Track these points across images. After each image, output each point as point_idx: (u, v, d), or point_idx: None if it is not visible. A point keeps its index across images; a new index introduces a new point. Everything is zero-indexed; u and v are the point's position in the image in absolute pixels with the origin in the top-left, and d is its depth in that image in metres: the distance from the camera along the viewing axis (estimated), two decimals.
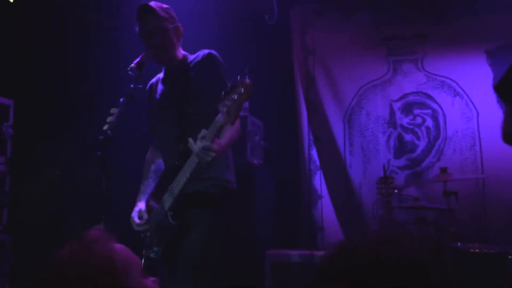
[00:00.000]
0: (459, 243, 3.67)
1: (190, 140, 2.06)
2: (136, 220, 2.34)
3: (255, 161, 4.04)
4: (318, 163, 4.71)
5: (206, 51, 2.48)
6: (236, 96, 1.89)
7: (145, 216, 2.33)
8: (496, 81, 4.48)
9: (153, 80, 2.64)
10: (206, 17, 4.14)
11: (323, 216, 4.65)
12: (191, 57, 2.52)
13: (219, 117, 1.99)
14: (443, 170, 3.72)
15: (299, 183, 4.64)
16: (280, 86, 4.77)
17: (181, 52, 2.53)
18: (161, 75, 2.61)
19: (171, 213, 2.24)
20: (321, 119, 4.76)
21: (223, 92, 1.99)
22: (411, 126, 4.57)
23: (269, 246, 4.12)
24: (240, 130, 2.37)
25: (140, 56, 2.37)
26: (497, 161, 4.20)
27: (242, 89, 1.88)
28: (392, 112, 4.62)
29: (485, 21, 4.37)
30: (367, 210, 4.51)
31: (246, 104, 3.96)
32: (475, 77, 4.42)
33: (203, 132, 2.05)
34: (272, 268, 3.86)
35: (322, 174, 4.67)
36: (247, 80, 1.89)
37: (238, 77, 1.92)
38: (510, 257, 3.40)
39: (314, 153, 4.73)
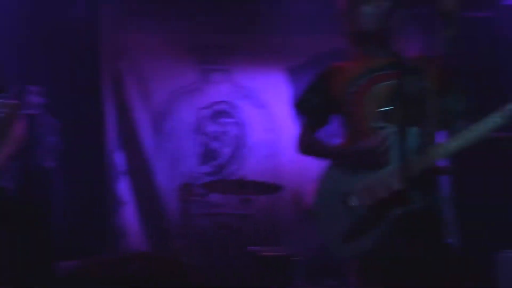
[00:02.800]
0: (253, 247, 3.87)
1: None
2: None
3: (48, 164, 3.72)
4: (122, 167, 4.55)
5: None
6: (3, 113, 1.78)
7: None
8: (295, 97, 4.90)
9: None
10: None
11: (126, 222, 4.49)
12: None
13: None
14: (241, 179, 3.89)
15: (101, 189, 4.41)
16: (85, 85, 4.49)
17: None
18: None
19: None
20: (129, 122, 4.62)
21: None
22: (217, 134, 4.70)
23: (65, 255, 3.81)
24: (22, 137, 2.13)
25: None
26: (291, 172, 4.56)
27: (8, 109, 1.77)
28: (200, 120, 4.70)
29: (287, 40, 4.71)
30: (171, 217, 4.49)
31: (41, 101, 3.63)
32: (276, 92, 4.75)
33: None
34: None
35: (126, 180, 4.53)
36: (14, 101, 1.79)
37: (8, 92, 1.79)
38: (293, 259, 3.69)
39: (118, 157, 4.56)
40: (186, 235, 3.95)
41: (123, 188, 4.53)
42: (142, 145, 4.60)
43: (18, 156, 2.42)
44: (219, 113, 4.73)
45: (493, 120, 1.58)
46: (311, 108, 2.00)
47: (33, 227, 3.54)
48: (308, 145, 2.00)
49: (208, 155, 4.66)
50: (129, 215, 4.49)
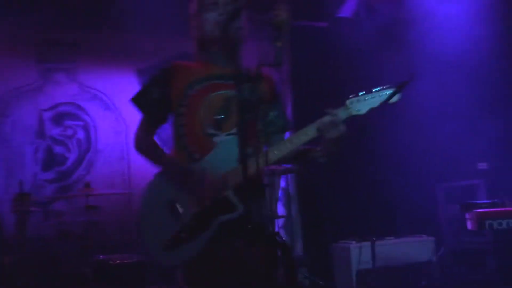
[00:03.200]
0: (101, 256, 3.71)
1: None
2: None
3: None
4: None
5: None
6: None
7: None
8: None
9: None
10: None
11: None
12: None
13: None
14: (87, 184, 3.72)
15: None
16: None
17: None
18: None
19: None
20: None
21: None
22: (61, 138, 4.41)
23: None
24: None
25: None
26: (141, 175, 4.46)
27: None
28: (41, 123, 4.36)
29: (135, 41, 4.60)
30: (8, 230, 4.09)
31: None
32: (126, 93, 4.58)
33: None
34: None
35: None
36: None
37: None
38: (144, 265, 3.63)
39: None
40: (24, 248, 3.64)
41: None
42: None
43: None
44: (64, 115, 4.43)
45: (309, 132, 1.71)
46: (150, 103, 1.91)
47: None
48: (143, 145, 1.92)
49: (51, 160, 4.34)
50: None
